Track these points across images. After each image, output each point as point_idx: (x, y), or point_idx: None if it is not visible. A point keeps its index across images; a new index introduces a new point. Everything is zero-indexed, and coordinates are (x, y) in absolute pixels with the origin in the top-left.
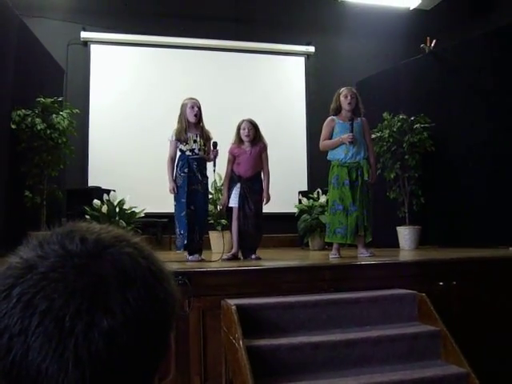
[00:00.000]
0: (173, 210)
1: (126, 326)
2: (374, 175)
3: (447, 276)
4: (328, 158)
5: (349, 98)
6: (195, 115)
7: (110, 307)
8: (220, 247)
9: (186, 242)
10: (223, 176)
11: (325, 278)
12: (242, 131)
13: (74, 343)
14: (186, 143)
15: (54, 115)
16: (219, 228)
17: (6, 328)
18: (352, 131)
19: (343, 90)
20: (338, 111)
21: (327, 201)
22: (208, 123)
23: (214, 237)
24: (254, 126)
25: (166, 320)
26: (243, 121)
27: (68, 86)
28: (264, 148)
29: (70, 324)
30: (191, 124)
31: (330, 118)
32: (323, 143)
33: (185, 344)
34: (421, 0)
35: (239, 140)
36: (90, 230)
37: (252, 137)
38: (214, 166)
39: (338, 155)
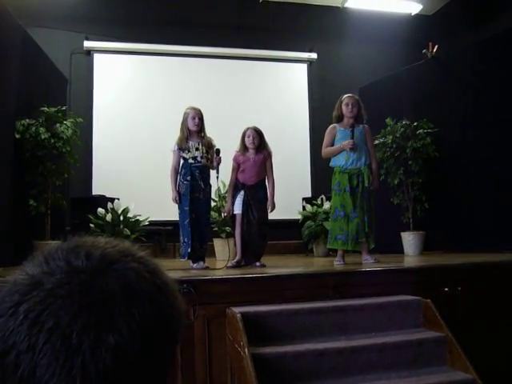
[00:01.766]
0: (177, 218)
1: (132, 342)
2: (376, 182)
3: (452, 282)
4: (330, 164)
5: (350, 106)
6: (196, 125)
7: (116, 323)
8: (224, 255)
9: (189, 250)
10: (227, 183)
11: (329, 285)
12: (246, 139)
13: (81, 360)
14: (188, 151)
15: (58, 124)
16: (223, 235)
17: (14, 345)
18: (353, 138)
19: (345, 98)
20: (340, 119)
21: (331, 207)
22: (211, 131)
23: (219, 244)
24: (258, 134)
25: (172, 334)
26: (248, 128)
27: (71, 95)
28: (268, 156)
29: (77, 341)
30: (193, 132)
31: (331, 125)
32: (325, 150)
33: (190, 352)
34: (422, 6)
35: (244, 148)
36: (95, 245)
37: (257, 144)
38: (217, 173)
39: (339, 162)
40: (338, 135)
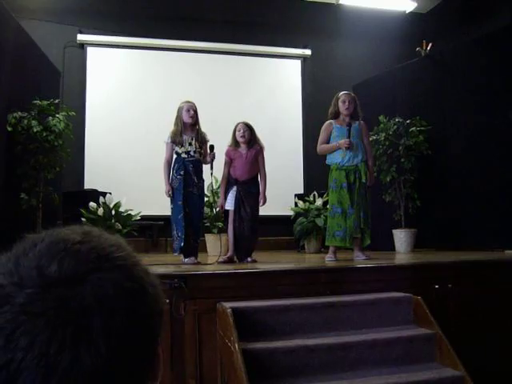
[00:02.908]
0: (169, 213)
1: (110, 358)
2: (372, 178)
3: (443, 279)
4: (326, 162)
5: (347, 103)
6: (191, 117)
7: (93, 341)
8: (216, 250)
9: (182, 244)
10: (219, 178)
11: (321, 281)
12: (237, 133)
13: (58, 379)
14: (182, 146)
15: (51, 117)
16: (215, 231)
17: None
18: (349, 136)
19: (341, 95)
20: (336, 115)
21: (323, 204)
22: (204, 126)
23: (210, 239)
24: (249, 128)
25: (152, 336)
26: (239, 123)
27: (64, 88)
28: (260, 150)
29: (54, 361)
30: (187, 126)
31: (327, 122)
32: (320, 147)
33: (180, 347)
34: (417, 4)
35: (235, 142)
36: (69, 248)
37: (247, 138)
38: (212, 169)
39: (335, 159)
40: (334, 132)
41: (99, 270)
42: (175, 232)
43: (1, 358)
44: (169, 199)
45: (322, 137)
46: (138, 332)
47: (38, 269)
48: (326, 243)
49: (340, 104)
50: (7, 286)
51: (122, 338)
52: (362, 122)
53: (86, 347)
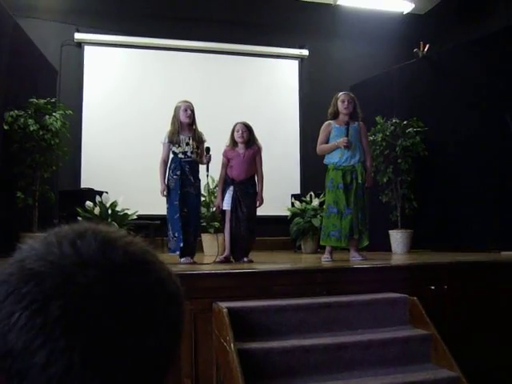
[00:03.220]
0: (165, 212)
1: (169, 344)
2: (370, 179)
3: (439, 280)
4: (324, 161)
5: (346, 102)
6: (188, 117)
7: (156, 326)
8: (212, 250)
9: (181, 244)
10: (215, 178)
11: (317, 282)
12: (235, 133)
13: (121, 364)
14: (179, 145)
15: (47, 116)
16: (212, 231)
17: (46, 342)
18: (347, 135)
19: (341, 95)
20: (335, 115)
21: (320, 204)
22: (201, 126)
23: (207, 239)
24: (248, 129)
25: (180, 336)
26: (237, 123)
27: (61, 87)
28: (258, 151)
29: (120, 343)
30: (184, 126)
31: (326, 122)
32: (320, 147)
33: None
34: (414, 5)
35: (233, 143)
36: (124, 238)
37: (246, 139)
38: (207, 170)
39: (333, 159)
40: (333, 132)
41: (156, 263)
42: (171, 232)
43: (60, 343)
44: (165, 198)
45: (321, 137)
46: (182, 323)
47: (101, 253)
48: (321, 243)
49: (339, 104)
50: (67, 266)
51: (177, 326)
52: (361, 122)
53: (150, 332)
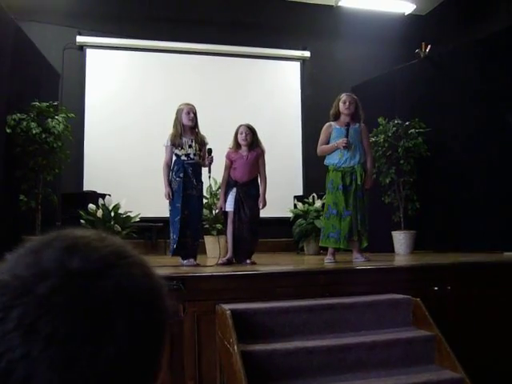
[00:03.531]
0: (168, 215)
1: (132, 351)
2: (370, 181)
3: (442, 281)
4: (325, 162)
5: (347, 103)
6: (191, 120)
7: (116, 333)
8: (215, 252)
9: (175, 246)
10: (218, 180)
11: (320, 283)
12: (239, 136)
13: (80, 370)
14: (182, 148)
15: (50, 119)
16: (214, 233)
17: (6, 351)
18: (347, 136)
19: (343, 96)
20: (337, 117)
21: (322, 205)
22: (203, 128)
23: (210, 241)
24: (251, 131)
25: (165, 335)
26: (241, 125)
27: (63, 90)
28: (261, 154)
29: (76, 351)
30: (186, 129)
31: (327, 123)
32: (320, 148)
33: (179, 349)
34: (416, 5)
35: (237, 145)
36: (88, 244)
37: (249, 141)
38: (209, 172)
39: (333, 160)
40: (334, 133)
41: (119, 266)
42: (172, 234)
43: (21, 347)
44: (167, 201)
45: (321, 138)
46: (155, 328)
47: (59, 261)
48: (320, 244)
49: (341, 104)
50: (28, 278)
51: (142, 332)
52: (362, 124)
53: (109, 337)
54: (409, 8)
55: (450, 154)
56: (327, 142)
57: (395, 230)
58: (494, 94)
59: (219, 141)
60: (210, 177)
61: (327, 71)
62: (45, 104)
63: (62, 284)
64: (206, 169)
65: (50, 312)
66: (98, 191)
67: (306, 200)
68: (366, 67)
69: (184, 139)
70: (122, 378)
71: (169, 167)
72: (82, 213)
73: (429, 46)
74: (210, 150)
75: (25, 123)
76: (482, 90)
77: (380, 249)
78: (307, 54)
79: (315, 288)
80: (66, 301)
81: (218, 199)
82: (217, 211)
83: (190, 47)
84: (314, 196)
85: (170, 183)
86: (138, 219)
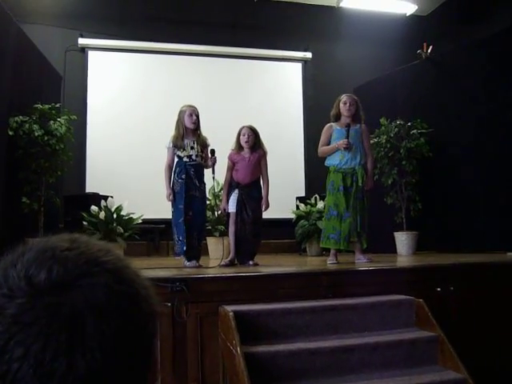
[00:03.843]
0: (170, 216)
1: (106, 362)
2: (370, 182)
3: (445, 281)
4: (325, 163)
5: (348, 104)
6: (193, 123)
7: (88, 346)
8: (217, 253)
9: (184, 248)
10: (220, 182)
11: (322, 284)
12: (241, 137)
13: None
14: (184, 149)
15: (52, 121)
16: (217, 234)
17: None
18: (348, 137)
19: (343, 97)
20: (337, 117)
21: (325, 206)
22: (205, 129)
23: (212, 243)
24: (254, 133)
25: (147, 339)
26: (243, 127)
27: (66, 92)
28: (263, 155)
29: (50, 369)
30: (188, 131)
31: (328, 124)
32: (321, 149)
33: (182, 350)
34: (417, 6)
35: (239, 146)
36: (57, 255)
37: (252, 143)
38: (213, 173)
39: (333, 161)
40: (334, 134)
41: (89, 275)
42: (176, 236)
43: None
44: (170, 202)
45: (322, 139)
46: (132, 334)
47: (26, 278)
48: (321, 245)
49: (341, 105)
50: None
51: (117, 341)
52: (363, 125)
53: (81, 352)
54: (410, 9)
55: (452, 154)
56: (328, 143)
57: (397, 231)
58: (495, 95)
59: (221, 142)
60: (214, 178)
61: (329, 72)
62: (47, 106)
63: (29, 303)
64: (209, 170)
65: (19, 333)
66: (101, 193)
67: (308, 201)
68: (368, 68)
69: (186, 141)
70: None
71: (170, 169)
72: (84, 215)
73: (430, 47)
74: (212, 151)
75: (27, 125)
76: (483, 91)
77: (382, 250)
78: (309, 55)
79: (318, 289)
80: (34, 320)
81: (221, 200)
82: (219, 212)
83: (192, 49)
84: (316, 197)
85: (172, 185)
86: (140, 221)
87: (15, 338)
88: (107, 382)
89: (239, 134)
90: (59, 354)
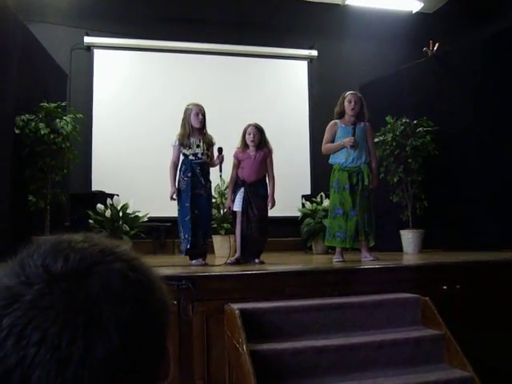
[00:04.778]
0: (176, 214)
1: (123, 347)
2: (375, 180)
3: (451, 280)
4: (329, 161)
5: (352, 103)
6: (200, 122)
7: (105, 330)
8: (223, 251)
9: (188, 246)
10: (226, 180)
11: (328, 282)
12: (247, 136)
13: (73, 372)
14: (189, 148)
15: (58, 120)
16: (223, 232)
17: (2, 359)
18: (354, 135)
19: (348, 95)
20: (341, 115)
21: (330, 205)
22: (211, 127)
23: (218, 241)
24: (259, 131)
25: (161, 329)
26: (249, 125)
27: (71, 90)
28: (269, 153)
29: (67, 353)
30: (195, 129)
31: (332, 121)
32: (325, 147)
33: (188, 348)
34: (423, 3)
35: (244, 145)
36: (73, 246)
37: (257, 142)
38: (221, 171)
39: (338, 159)
40: (339, 132)
41: (104, 263)
42: (182, 234)
43: (14, 356)
44: (174, 201)
45: (326, 136)
46: (147, 320)
47: (44, 267)
48: (326, 243)
49: (346, 104)
50: (15, 286)
51: (132, 326)
52: (367, 123)
53: (98, 336)
54: (416, 6)
55: (459, 152)
56: (332, 141)
57: (403, 229)
58: (502, 93)
59: (226, 140)
60: (221, 176)
61: (335, 70)
62: (53, 105)
63: (46, 288)
64: (216, 168)
65: (37, 317)
66: (107, 191)
67: (314, 199)
68: (374, 66)
69: (192, 139)
70: (117, 376)
71: (175, 167)
72: (90, 213)
73: (436, 45)
74: (220, 149)
75: (33, 124)
76: (490, 89)
77: (388, 248)
78: (315, 52)
79: (324, 287)
80: (51, 304)
81: (226, 199)
82: (225, 211)
83: (198, 47)
84: (321, 195)
85: (178, 183)
86: (146, 219)
87: (33, 322)
88: (124, 367)
89: (245, 133)
90: (76, 337)
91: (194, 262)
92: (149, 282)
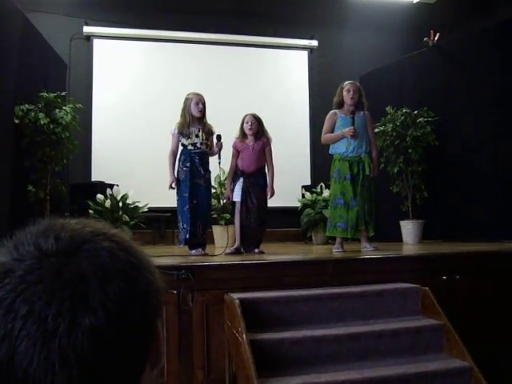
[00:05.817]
0: (176, 205)
1: (109, 322)
2: (376, 170)
3: (450, 270)
4: (330, 151)
5: (351, 92)
6: (200, 111)
7: (91, 305)
8: (223, 241)
9: (187, 236)
10: (226, 170)
11: (328, 272)
12: (245, 125)
13: (58, 344)
14: (189, 137)
15: (57, 110)
16: (222, 222)
17: None
18: (354, 125)
19: (346, 85)
20: (340, 105)
21: (330, 195)
22: (210, 117)
23: (217, 231)
24: (257, 120)
25: (150, 310)
26: (247, 115)
27: (71, 80)
28: (267, 143)
29: (53, 325)
30: (195, 118)
31: (332, 111)
32: (325, 136)
33: (188, 338)
34: None
35: (243, 134)
36: (65, 226)
37: (255, 131)
38: (219, 158)
39: (339, 149)
40: (339, 122)
41: (94, 242)
42: (180, 224)
43: (2, 328)
44: (175, 190)
45: (326, 126)
46: (135, 300)
47: (36, 245)
48: (327, 234)
49: (344, 93)
50: (8, 262)
51: (119, 303)
52: (366, 112)
53: (84, 310)
54: None
55: (459, 142)
56: (332, 131)
57: (403, 220)
58: (504, 82)
59: (227, 130)
60: (219, 163)
61: (335, 60)
62: (52, 95)
63: (36, 264)
64: (215, 157)
65: (26, 291)
66: (106, 181)
67: (313, 189)
68: (374, 56)
69: (192, 128)
70: (102, 351)
71: (174, 156)
72: (90, 203)
73: (437, 34)
74: (219, 137)
75: (33, 114)
76: (490, 79)
77: (388, 238)
78: (315, 43)
79: (324, 277)
80: (40, 278)
81: (226, 188)
82: (224, 201)
83: (198, 37)
84: (321, 185)
85: (177, 173)
86: (146, 209)
87: (21, 296)
88: (108, 344)
89: (243, 122)
90: (62, 310)
91: (193, 251)
92: (138, 262)
